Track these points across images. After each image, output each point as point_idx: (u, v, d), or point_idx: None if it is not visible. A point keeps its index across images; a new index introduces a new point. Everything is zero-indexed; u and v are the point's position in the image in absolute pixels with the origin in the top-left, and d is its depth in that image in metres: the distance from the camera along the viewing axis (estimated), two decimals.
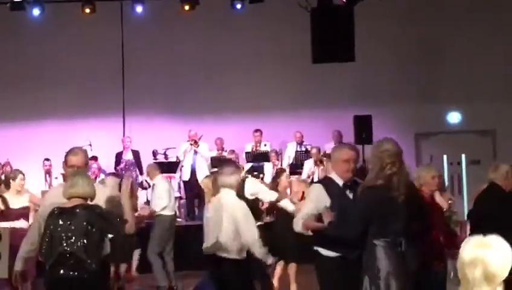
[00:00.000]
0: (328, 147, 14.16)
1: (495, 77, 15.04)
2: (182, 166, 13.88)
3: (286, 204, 8.52)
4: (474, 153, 15.01)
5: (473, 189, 9.67)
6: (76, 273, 5.12)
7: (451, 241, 6.27)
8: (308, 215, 5.41)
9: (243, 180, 8.19)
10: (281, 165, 13.80)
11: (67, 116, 15.10)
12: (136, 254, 11.16)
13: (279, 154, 14.04)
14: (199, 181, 11.81)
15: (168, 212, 10.35)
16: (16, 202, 8.47)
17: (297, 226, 5.48)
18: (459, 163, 15.14)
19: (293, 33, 14.02)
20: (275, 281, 9.25)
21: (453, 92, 15.24)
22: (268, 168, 13.74)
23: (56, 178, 13.19)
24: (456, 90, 15.21)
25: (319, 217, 5.33)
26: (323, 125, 14.59)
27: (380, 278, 4.92)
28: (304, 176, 13.32)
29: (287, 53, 14.95)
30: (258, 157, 13.94)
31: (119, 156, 14.14)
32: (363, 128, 13.91)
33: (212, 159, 13.97)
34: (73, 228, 5.14)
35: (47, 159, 13.79)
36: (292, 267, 9.18)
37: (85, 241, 5.13)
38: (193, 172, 13.71)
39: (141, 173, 13.79)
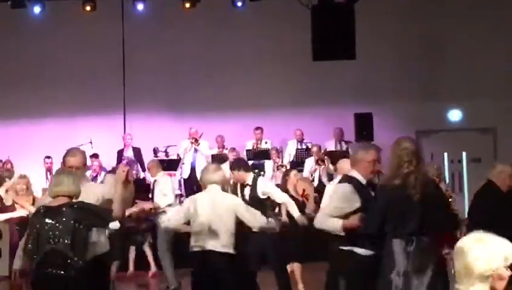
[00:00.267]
0: (329, 144, 14.19)
1: (496, 74, 15.01)
2: (183, 163, 13.89)
3: (293, 210, 8.50)
4: (475, 150, 14.99)
5: (473, 187, 9.66)
6: (63, 271, 5.12)
7: (451, 239, 6.28)
8: (334, 214, 5.39)
9: (255, 179, 8.24)
10: (282, 162, 13.81)
11: (68, 113, 15.11)
12: (132, 251, 11.17)
13: (279, 152, 14.04)
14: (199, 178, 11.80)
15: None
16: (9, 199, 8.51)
17: (322, 223, 5.45)
18: (460, 161, 15.13)
19: (294, 31, 14.01)
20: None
21: (454, 89, 15.21)
22: (269, 166, 13.75)
23: None
24: (457, 87, 15.19)
25: (343, 218, 5.37)
26: (323, 123, 14.58)
27: (397, 274, 4.99)
28: (306, 174, 13.31)
29: (288, 51, 14.94)
30: (258, 155, 13.94)
31: (120, 154, 14.16)
32: (363, 126, 13.91)
33: (213, 156, 13.98)
34: (60, 227, 5.14)
35: (48, 157, 13.80)
36: (298, 267, 9.23)
37: (72, 239, 5.13)
38: (193, 170, 13.73)
39: (143, 170, 13.83)
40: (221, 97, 15.19)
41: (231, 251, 6.38)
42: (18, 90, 15.06)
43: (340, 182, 5.74)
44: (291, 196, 9.21)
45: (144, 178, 13.35)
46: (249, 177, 8.29)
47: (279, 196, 8.22)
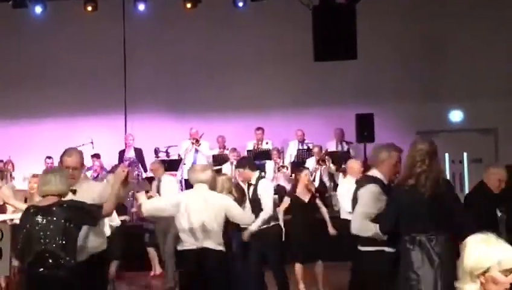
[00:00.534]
0: (330, 145, 14.18)
1: (497, 74, 15.00)
2: (184, 164, 13.89)
3: (259, 220, 8.29)
4: (476, 151, 14.99)
5: None
6: (55, 271, 5.13)
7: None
8: (368, 217, 5.39)
9: (258, 179, 8.28)
10: (283, 163, 13.80)
11: (69, 114, 15.12)
12: (151, 251, 11.14)
13: (280, 153, 14.03)
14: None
15: None
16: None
17: (364, 230, 5.40)
18: (461, 161, 15.12)
19: (295, 31, 14.01)
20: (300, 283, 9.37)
21: (455, 90, 15.20)
22: (270, 167, 13.74)
23: None
24: (458, 88, 15.17)
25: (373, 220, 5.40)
26: (325, 123, 14.58)
27: (409, 274, 5.05)
28: None
29: (289, 51, 14.94)
30: (259, 156, 13.93)
31: (121, 154, 14.16)
32: (364, 126, 13.89)
33: (214, 157, 13.99)
34: (51, 226, 5.15)
35: (49, 157, 13.79)
36: (299, 267, 9.28)
37: (63, 238, 5.14)
38: None
39: (145, 171, 13.85)
40: (222, 97, 15.20)
41: (223, 249, 6.42)
42: (19, 90, 15.08)
43: (361, 182, 5.70)
44: (297, 197, 9.30)
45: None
46: (254, 176, 8.32)
47: (265, 205, 8.18)
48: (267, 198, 8.22)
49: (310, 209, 9.40)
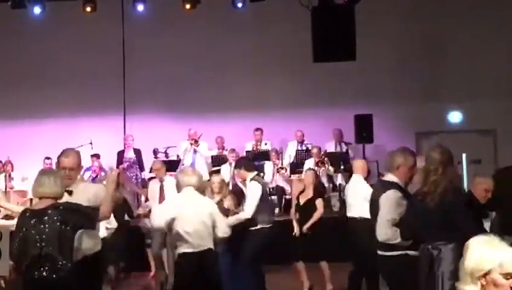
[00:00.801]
0: (329, 146, 14.19)
1: (497, 75, 15.00)
2: (183, 164, 13.88)
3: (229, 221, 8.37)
4: (475, 152, 14.95)
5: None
6: (52, 274, 5.12)
7: None
8: (394, 223, 5.41)
9: (250, 181, 8.34)
10: (282, 164, 13.80)
11: (68, 114, 15.11)
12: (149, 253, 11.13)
13: (279, 153, 14.03)
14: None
15: None
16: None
17: (390, 238, 5.40)
18: (460, 162, 15.09)
19: (294, 32, 14.01)
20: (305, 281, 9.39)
21: (454, 90, 15.21)
22: (269, 167, 13.73)
23: None
24: (457, 89, 15.18)
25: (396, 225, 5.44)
26: (324, 124, 14.57)
27: (422, 280, 5.15)
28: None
29: (288, 52, 14.94)
30: (258, 156, 13.92)
31: (121, 155, 14.15)
32: (363, 127, 13.90)
33: (213, 157, 13.99)
34: (47, 230, 5.13)
35: (48, 158, 13.78)
36: (302, 266, 9.39)
37: (59, 241, 5.13)
38: None
39: (142, 170, 13.87)
40: (222, 98, 15.20)
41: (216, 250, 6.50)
42: (18, 91, 15.08)
43: (379, 188, 5.72)
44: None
45: (143, 179, 13.37)
46: (248, 176, 8.34)
47: (246, 206, 8.22)
48: (250, 200, 8.24)
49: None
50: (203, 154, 14.04)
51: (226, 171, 13.13)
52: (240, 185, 8.61)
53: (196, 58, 15.30)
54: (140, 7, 14.59)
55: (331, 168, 13.33)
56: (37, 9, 14.10)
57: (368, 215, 5.96)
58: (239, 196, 9.08)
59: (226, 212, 7.99)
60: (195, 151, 14.00)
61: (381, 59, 14.99)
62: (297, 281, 9.54)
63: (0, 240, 6.11)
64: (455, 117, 15.63)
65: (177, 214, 6.30)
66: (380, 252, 5.57)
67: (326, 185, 13.47)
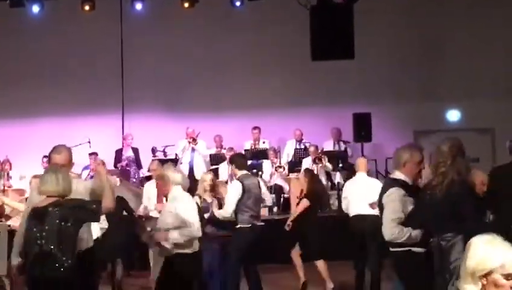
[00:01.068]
0: (327, 144, 14.19)
1: (495, 74, 15.01)
2: (181, 163, 13.89)
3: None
4: (473, 151, 14.85)
5: None
6: (52, 272, 5.12)
7: None
8: (399, 222, 5.38)
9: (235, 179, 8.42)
10: (280, 163, 13.79)
11: (67, 113, 15.10)
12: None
13: (277, 152, 14.02)
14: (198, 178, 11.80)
15: None
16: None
17: (407, 236, 5.35)
18: None
19: (293, 30, 14.01)
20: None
21: (453, 89, 15.22)
22: (267, 166, 13.73)
23: None
24: (455, 88, 15.19)
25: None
26: (322, 122, 14.58)
27: (435, 275, 5.18)
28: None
29: (287, 50, 14.94)
30: (256, 155, 13.92)
31: (119, 153, 14.15)
32: (362, 126, 13.91)
33: (211, 156, 13.98)
34: (47, 227, 5.14)
35: (46, 157, 13.65)
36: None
37: (59, 239, 5.13)
38: (191, 169, 13.72)
39: (139, 168, 13.88)
40: (220, 97, 15.19)
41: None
42: (16, 89, 15.06)
43: (384, 185, 5.73)
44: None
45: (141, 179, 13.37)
46: (238, 174, 8.39)
47: (224, 205, 8.25)
48: (227, 199, 8.26)
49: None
50: (201, 152, 14.04)
51: (224, 169, 13.13)
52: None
53: (194, 56, 15.30)
54: (138, 6, 14.59)
55: (328, 165, 13.31)
56: (35, 8, 14.10)
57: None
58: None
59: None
60: (193, 149, 14.00)
61: (379, 58, 15.00)
62: (297, 279, 9.53)
63: None
64: (453, 116, 15.64)
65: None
66: (391, 249, 5.59)
67: (324, 183, 13.47)
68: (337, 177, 13.52)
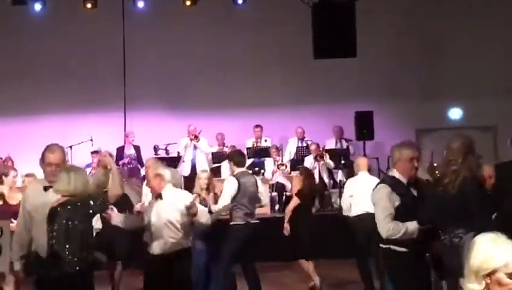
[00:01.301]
0: (330, 143, 14.19)
1: (496, 72, 15.01)
2: (183, 161, 13.89)
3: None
4: (476, 149, 14.97)
5: None
6: (59, 273, 5.17)
7: None
8: (390, 217, 5.39)
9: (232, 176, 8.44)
10: (282, 160, 13.79)
11: (69, 111, 15.11)
12: None
13: (279, 150, 14.02)
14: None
15: None
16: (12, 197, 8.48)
17: (401, 232, 5.33)
18: None
19: (295, 28, 14.01)
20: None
21: (455, 88, 15.22)
22: (269, 164, 13.73)
23: None
24: (457, 86, 15.19)
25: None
26: (324, 120, 14.58)
27: (446, 273, 5.21)
28: None
29: (289, 48, 14.94)
30: (258, 153, 13.93)
31: (120, 151, 14.15)
32: (364, 124, 13.91)
33: (213, 154, 13.98)
34: (56, 227, 5.21)
35: None
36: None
37: (66, 238, 5.18)
38: (194, 167, 13.73)
39: (142, 166, 13.87)
40: (222, 95, 15.20)
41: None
42: (19, 87, 15.06)
43: (377, 183, 5.75)
44: None
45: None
46: (236, 171, 8.47)
47: (220, 201, 8.27)
48: (222, 194, 8.29)
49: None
50: (204, 150, 14.03)
51: (226, 168, 13.09)
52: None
53: (197, 54, 15.30)
54: (140, 4, 14.61)
55: (330, 162, 13.31)
56: (37, 6, 14.11)
57: None
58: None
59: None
60: (195, 147, 14.00)
61: (381, 56, 15.00)
62: (296, 277, 9.55)
63: (0, 236, 6.10)
64: (455, 114, 15.64)
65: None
66: (380, 245, 5.59)
67: (326, 181, 13.48)
68: (339, 175, 13.51)
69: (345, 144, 14.29)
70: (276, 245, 9.89)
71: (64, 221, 5.17)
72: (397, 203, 5.35)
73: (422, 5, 15.10)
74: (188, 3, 14.28)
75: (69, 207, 5.22)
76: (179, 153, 13.99)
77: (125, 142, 14.32)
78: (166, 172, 6.51)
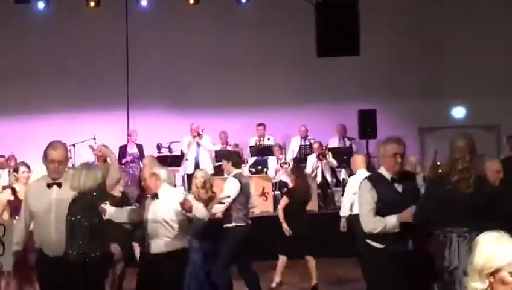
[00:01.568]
0: (333, 141, 14.19)
1: (496, 72, 15.03)
2: (186, 159, 13.90)
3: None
4: (478, 148, 14.81)
5: None
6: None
7: None
8: (373, 211, 5.41)
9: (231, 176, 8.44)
10: (285, 159, 13.80)
11: (72, 109, 15.12)
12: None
13: (282, 149, 14.03)
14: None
15: None
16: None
17: (380, 226, 5.36)
18: None
19: (298, 27, 14.02)
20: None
21: (458, 86, 15.22)
22: (272, 163, 13.74)
23: None
24: (460, 84, 15.19)
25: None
26: (327, 119, 14.59)
27: (447, 271, 5.10)
28: (308, 170, 13.32)
29: (292, 47, 14.95)
30: (262, 152, 13.94)
31: (123, 149, 14.16)
32: (367, 122, 13.92)
33: (216, 152, 13.99)
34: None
35: None
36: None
37: (71, 233, 5.28)
38: (197, 165, 13.72)
39: None
40: (225, 93, 15.21)
41: None
42: (21, 86, 15.09)
43: (364, 179, 5.77)
44: None
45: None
46: (234, 172, 8.49)
47: (221, 203, 8.26)
48: (225, 195, 8.26)
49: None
50: (207, 147, 14.03)
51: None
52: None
53: (200, 53, 15.31)
54: (144, 2, 14.62)
55: (333, 161, 13.30)
56: (40, 5, 14.11)
57: None
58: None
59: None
60: (198, 145, 14.00)
61: (384, 55, 15.01)
62: (296, 276, 9.55)
63: (4, 234, 6.10)
64: (459, 113, 15.64)
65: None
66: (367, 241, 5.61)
67: (329, 179, 13.48)
68: (342, 174, 13.52)
69: (348, 143, 14.29)
70: (276, 244, 9.91)
71: (68, 217, 5.28)
72: (376, 199, 5.38)
73: (422, 5, 15.12)
74: (191, 1, 14.28)
75: (72, 203, 5.31)
76: (182, 151, 14.00)
77: (128, 141, 14.33)
78: (162, 171, 6.51)
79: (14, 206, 8.03)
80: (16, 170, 8.52)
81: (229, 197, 8.20)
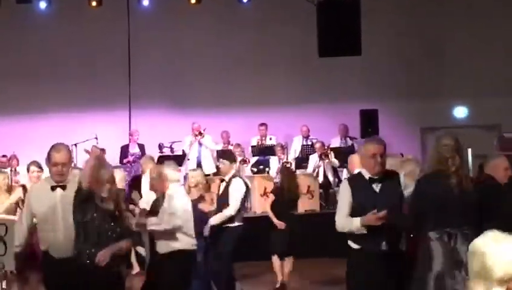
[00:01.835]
0: (334, 141, 14.19)
1: (496, 72, 15.04)
2: (188, 159, 13.90)
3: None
4: (480, 147, 14.93)
5: None
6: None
7: None
8: (347, 213, 5.41)
9: (232, 177, 8.40)
10: (287, 159, 13.80)
11: (74, 109, 15.12)
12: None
13: (284, 148, 14.03)
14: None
15: None
16: None
17: (344, 227, 5.40)
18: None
19: (300, 27, 14.02)
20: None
21: (459, 86, 15.23)
22: (274, 162, 13.74)
23: None
24: (462, 84, 15.20)
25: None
26: (329, 119, 14.59)
27: (432, 274, 5.05)
28: (310, 170, 13.33)
29: (293, 47, 14.95)
30: (263, 151, 13.95)
31: (125, 149, 14.17)
32: (369, 122, 13.92)
33: (218, 152, 13.98)
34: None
35: None
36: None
37: (83, 234, 5.30)
38: (199, 164, 13.72)
39: None
40: (226, 93, 15.21)
41: None
42: (23, 86, 15.08)
43: (344, 179, 5.82)
44: None
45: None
46: (232, 172, 8.45)
47: (230, 203, 8.23)
48: (235, 197, 8.25)
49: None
50: (209, 146, 14.03)
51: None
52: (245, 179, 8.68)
53: (201, 53, 15.30)
54: (145, 2, 14.64)
55: (335, 161, 13.30)
56: (42, 4, 14.13)
57: None
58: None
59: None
60: (200, 144, 14.00)
61: (386, 55, 15.01)
62: (296, 275, 9.54)
63: (6, 234, 6.11)
64: (460, 112, 15.64)
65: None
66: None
67: (331, 179, 13.47)
68: (344, 174, 13.51)
69: (349, 142, 14.29)
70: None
71: (79, 218, 5.30)
72: (350, 199, 5.39)
73: (422, 5, 15.12)
74: (193, 1, 14.29)
75: (84, 203, 5.31)
76: (183, 151, 14.00)
77: (130, 141, 14.34)
78: (170, 172, 6.50)
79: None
80: (27, 169, 8.56)
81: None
